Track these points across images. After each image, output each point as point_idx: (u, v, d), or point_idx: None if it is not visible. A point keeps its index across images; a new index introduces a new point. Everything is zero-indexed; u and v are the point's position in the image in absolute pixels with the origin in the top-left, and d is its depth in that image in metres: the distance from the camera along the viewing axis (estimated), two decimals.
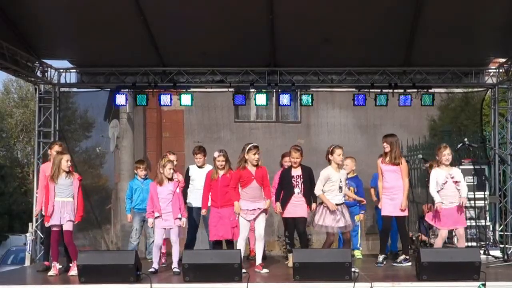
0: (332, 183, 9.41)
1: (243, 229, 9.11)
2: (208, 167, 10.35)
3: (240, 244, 9.06)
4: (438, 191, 9.27)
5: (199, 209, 10.32)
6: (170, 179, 9.17)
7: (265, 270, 9.05)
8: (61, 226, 9.01)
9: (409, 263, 9.43)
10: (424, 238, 11.68)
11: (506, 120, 12.97)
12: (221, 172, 9.67)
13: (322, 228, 9.52)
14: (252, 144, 9.20)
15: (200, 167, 10.53)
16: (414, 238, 11.42)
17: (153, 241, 9.72)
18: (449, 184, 9.27)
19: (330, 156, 9.49)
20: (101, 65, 12.59)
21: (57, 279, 8.84)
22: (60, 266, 9.19)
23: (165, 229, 9.12)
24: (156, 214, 9.08)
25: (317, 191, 9.42)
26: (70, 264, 9.16)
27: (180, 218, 9.11)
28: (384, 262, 9.65)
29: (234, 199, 9.10)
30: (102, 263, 8.11)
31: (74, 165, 9.67)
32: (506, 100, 13.24)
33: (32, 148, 28.66)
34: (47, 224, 9.18)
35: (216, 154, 9.73)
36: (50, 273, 9.02)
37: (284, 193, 9.55)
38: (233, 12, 10.65)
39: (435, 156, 9.61)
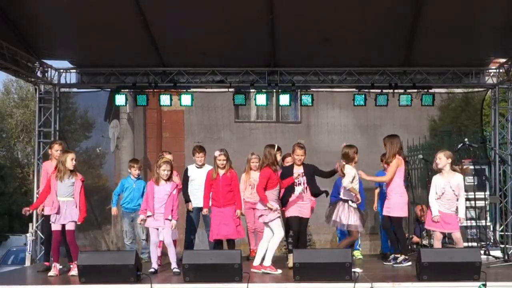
0: (357, 181, 9.35)
1: (281, 228, 9.07)
2: (208, 167, 10.36)
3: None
4: (437, 198, 9.27)
5: (198, 209, 10.32)
6: (168, 180, 9.13)
7: (279, 271, 8.97)
8: (62, 226, 9.02)
9: (409, 263, 9.42)
10: (417, 239, 11.69)
11: (506, 120, 12.97)
12: (221, 172, 9.65)
13: (350, 227, 9.31)
14: (277, 145, 9.22)
15: (199, 167, 10.53)
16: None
17: (145, 242, 9.73)
18: (448, 193, 9.19)
19: (356, 156, 9.36)
20: (101, 65, 12.59)
21: (57, 279, 8.83)
22: (61, 267, 9.19)
23: (157, 229, 9.09)
24: (149, 213, 9.04)
25: (347, 184, 9.19)
26: (71, 265, 9.16)
27: (170, 220, 8.99)
28: (396, 261, 9.63)
29: (264, 200, 8.91)
30: (102, 264, 8.10)
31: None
32: (506, 100, 13.23)
33: (32, 148, 28.63)
34: (46, 212, 9.20)
35: (217, 153, 9.73)
36: (51, 273, 9.01)
37: (284, 191, 9.44)
38: (233, 12, 10.65)
39: (432, 157, 9.61)
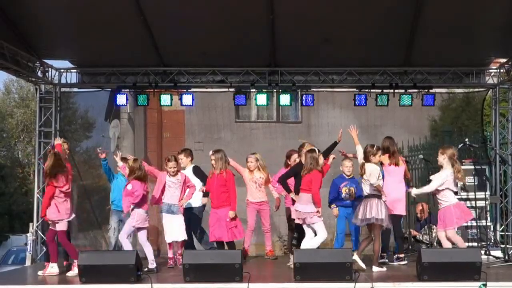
0: (381, 177, 9.34)
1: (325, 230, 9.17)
2: (191, 168, 10.31)
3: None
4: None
5: (184, 210, 10.23)
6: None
7: None
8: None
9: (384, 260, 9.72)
10: (415, 233, 11.72)
11: (507, 120, 12.96)
12: (216, 172, 9.60)
13: (383, 222, 9.10)
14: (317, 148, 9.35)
15: (183, 168, 10.46)
16: (406, 235, 11.41)
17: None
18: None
19: (372, 157, 9.25)
20: (102, 65, 12.58)
21: (57, 279, 8.83)
22: (53, 267, 9.22)
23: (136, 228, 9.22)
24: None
25: (375, 181, 9.07)
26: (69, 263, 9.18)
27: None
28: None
29: (319, 203, 9.02)
30: (102, 263, 8.10)
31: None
32: (507, 100, 13.21)
33: (33, 148, 28.66)
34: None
35: (210, 153, 9.74)
36: (39, 272, 9.04)
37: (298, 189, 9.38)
38: (233, 12, 10.64)
39: (436, 157, 9.62)
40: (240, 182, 10.52)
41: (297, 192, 9.41)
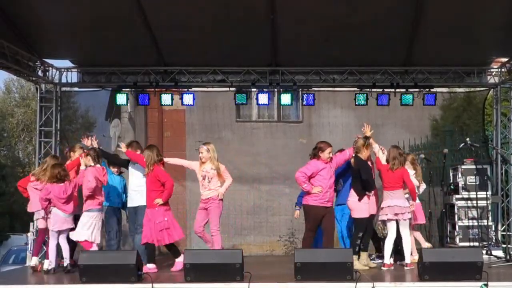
0: None
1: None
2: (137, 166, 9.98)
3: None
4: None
5: (129, 208, 10.09)
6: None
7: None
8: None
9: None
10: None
11: (508, 119, 12.94)
12: (146, 170, 9.29)
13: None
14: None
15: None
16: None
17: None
18: None
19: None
20: (102, 65, 12.57)
21: (57, 279, 8.82)
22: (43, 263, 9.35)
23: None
24: None
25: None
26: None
27: None
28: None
29: (415, 199, 9.50)
30: (103, 263, 8.09)
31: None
32: (508, 99, 13.19)
33: (33, 147, 28.63)
34: None
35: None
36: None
37: (365, 185, 9.35)
38: (234, 12, 10.64)
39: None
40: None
41: (360, 188, 9.35)
